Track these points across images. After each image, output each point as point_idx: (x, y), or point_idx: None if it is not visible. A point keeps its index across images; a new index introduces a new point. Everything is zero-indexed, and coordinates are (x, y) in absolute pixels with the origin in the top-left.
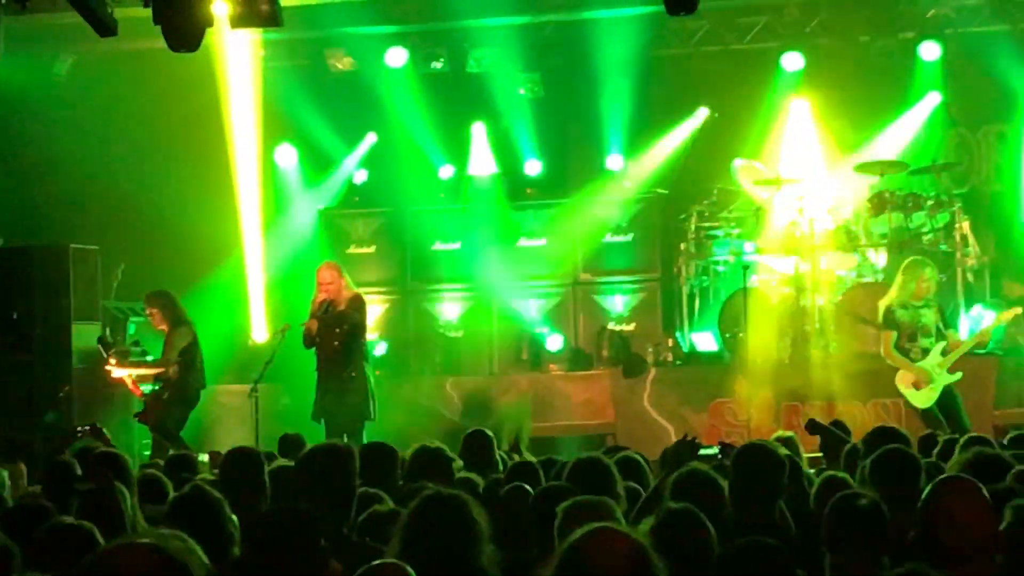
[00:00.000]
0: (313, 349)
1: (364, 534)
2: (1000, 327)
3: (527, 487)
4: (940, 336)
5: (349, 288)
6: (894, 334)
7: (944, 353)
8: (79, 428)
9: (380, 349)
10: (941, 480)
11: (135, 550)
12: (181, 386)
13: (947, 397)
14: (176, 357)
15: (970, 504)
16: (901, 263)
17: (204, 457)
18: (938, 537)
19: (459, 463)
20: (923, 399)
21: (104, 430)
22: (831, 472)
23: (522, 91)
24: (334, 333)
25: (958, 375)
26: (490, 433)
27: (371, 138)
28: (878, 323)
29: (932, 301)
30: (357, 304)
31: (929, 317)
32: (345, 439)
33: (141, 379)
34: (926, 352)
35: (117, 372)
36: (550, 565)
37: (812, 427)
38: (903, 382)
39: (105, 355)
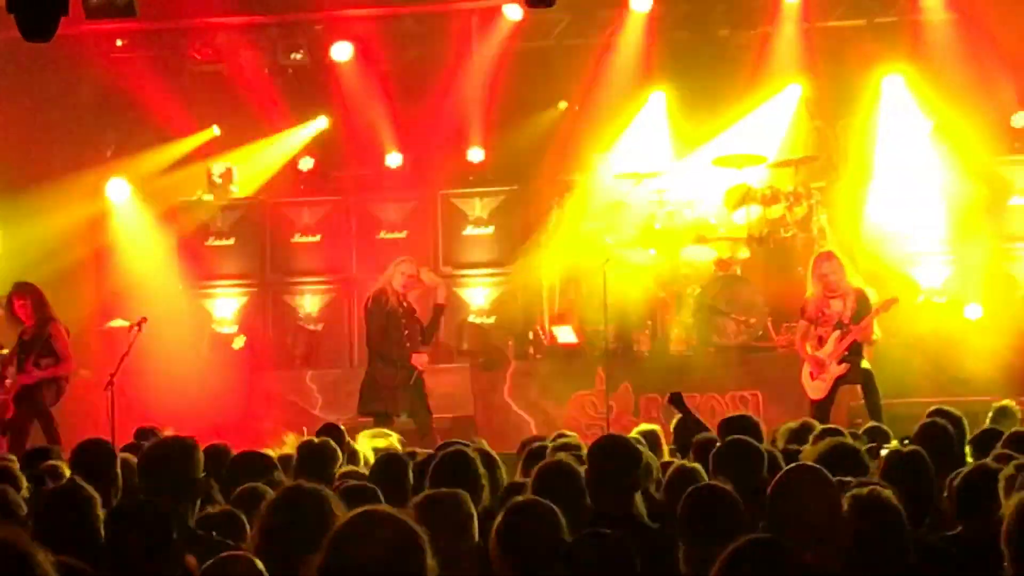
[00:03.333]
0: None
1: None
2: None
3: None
4: (843, 326)
5: None
6: (802, 324)
7: (837, 343)
8: None
9: (239, 342)
10: (788, 469)
11: None
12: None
13: (865, 387)
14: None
15: (814, 493)
16: (760, 255)
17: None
18: (784, 524)
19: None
20: (813, 389)
21: None
22: (682, 463)
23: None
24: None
25: (844, 367)
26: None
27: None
28: (735, 315)
29: (845, 292)
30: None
31: (835, 307)
32: None
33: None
34: (821, 340)
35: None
36: (320, 552)
37: (674, 401)
38: (803, 372)
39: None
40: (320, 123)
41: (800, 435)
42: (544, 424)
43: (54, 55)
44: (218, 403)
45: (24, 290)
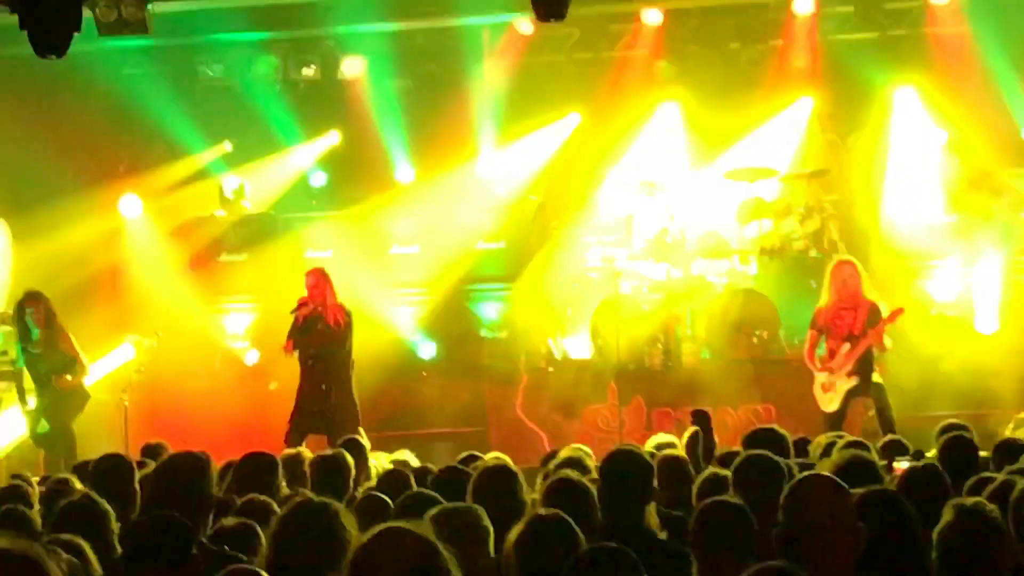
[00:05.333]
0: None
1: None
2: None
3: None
4: (854, 338)
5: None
6: (812, 334)
7: (845, 357)
8: None
9: (252, 357)
10: (799, 479)
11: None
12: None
13: (877, 400)
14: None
15: (828, 503)
16: (772, 269)
17: None
18: (796, 536)
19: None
20: (826, 402)
21: None
22: (712, 471)
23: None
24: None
25: (854, 380)
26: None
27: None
28: (747, 329)
29: (857, 304)
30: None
31: (846, 319)
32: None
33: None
34: (832, 353)
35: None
36: (343, 568)
37: (698, 418)
38: (815, 385)
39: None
40: (332, 138)
41: (799, 448)
42: (556, 438)
43: (67, 72)
44: (231, 418)
45: (35, 298)
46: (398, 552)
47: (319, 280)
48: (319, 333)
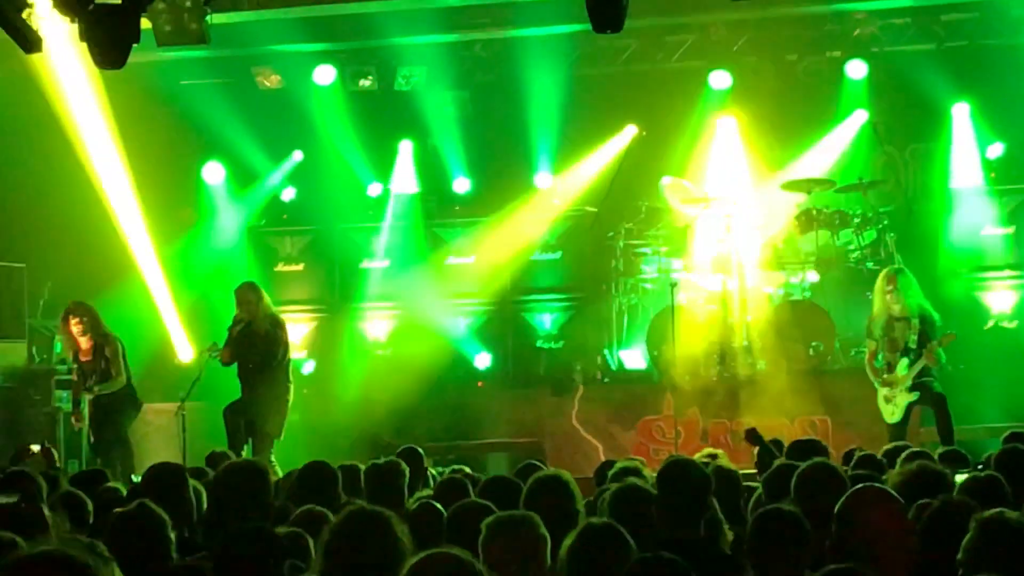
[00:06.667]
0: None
1: None
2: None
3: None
4: (910, 351)
5: (267, 308)
6: (871, 344)
7: (908, 369)
8: (29, 446)
9: (308, 367)
10: (854, 490)
11: (44, 558)
12: (128, 392)
13: (937, 410)
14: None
15: (881, 512)
16: (829, 280)
17: None
18: (850, 546)
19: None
20: (888, 413)
21: (53, 450)
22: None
23: (450, 109)
24: (250, 353)
25: (915, 395)
26: (420, 450)
27: (297, 156)
28: (803, 340)
29: (910, 314)
30: (274, 323)
31: (900, 331)
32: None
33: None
34: (890, 366)
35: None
36: None
37: (751, 437)
38: (878, 396)
39: (84, 389)
40: (395, 148)
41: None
42: (612, 449)
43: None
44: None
45: (80, 309)
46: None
47: (247, 294)
48: (250, 345)
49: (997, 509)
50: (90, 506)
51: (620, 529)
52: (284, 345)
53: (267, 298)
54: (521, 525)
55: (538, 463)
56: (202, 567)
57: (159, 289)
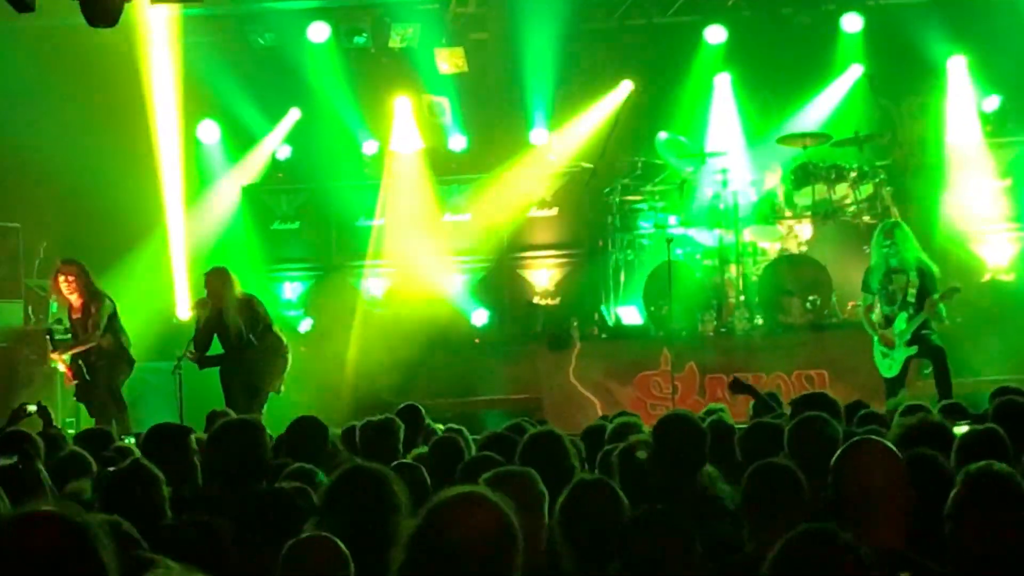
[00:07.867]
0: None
1: None
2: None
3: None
4: (908, 304)
5: (235, 295)
6: (867, 298)
7: (907, 323)
8: (26, 406)
9: (305, 325)
10: (850, 443)
11: (38, 518)
12: (118, 351)
13: (936, 363)
14: (104, 327)
15: (877, 466)
16: (825, 234)
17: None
18: (847, 499)
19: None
20: (885, 367)
21: (49, 409)
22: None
23: (445, 65)
24: (224, 339)
25: (914, 349)
26: (420, 407)
27: (294, 114)
28: (800, 294)
29: (908, 268)
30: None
31: (898, 284)
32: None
33: (75, 356)
34: (888, 319)
35: (59, 363)
36: (411, 526)
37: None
38: (874, 350)
39: (52, 348)
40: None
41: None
42: (609, 404)
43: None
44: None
45: (69, 266)
46: (472, 520)
47: (214, 283)
48: (223, 334)
49: (985, 462)
50: (94, 466)
51: (612, 485)
52: (260, 321)
53: (237, 284)
54: (520, 479)
55: (528, 422)
56: (208, 524)
57: (172, 247)
